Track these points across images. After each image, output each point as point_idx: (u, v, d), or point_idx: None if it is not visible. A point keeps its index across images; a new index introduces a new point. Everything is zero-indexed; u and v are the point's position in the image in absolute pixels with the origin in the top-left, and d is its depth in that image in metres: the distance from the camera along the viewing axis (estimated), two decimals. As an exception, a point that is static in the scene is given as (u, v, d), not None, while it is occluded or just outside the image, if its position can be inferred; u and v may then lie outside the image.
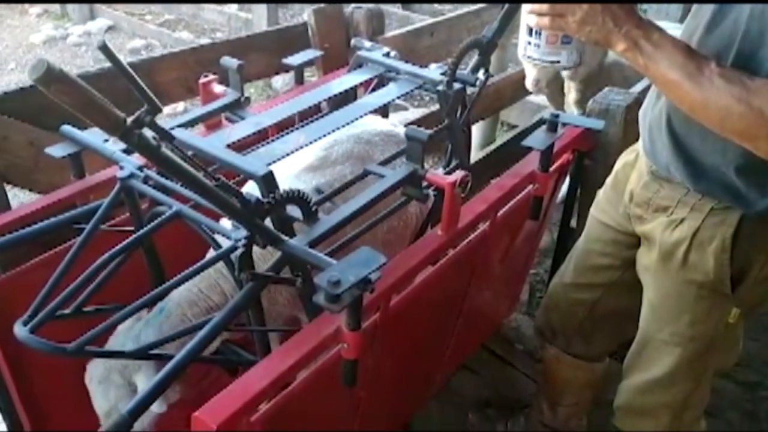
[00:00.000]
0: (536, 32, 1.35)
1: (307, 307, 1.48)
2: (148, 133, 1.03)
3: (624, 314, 1.80)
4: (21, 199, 3.07)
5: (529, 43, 1.38)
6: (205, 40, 6.15)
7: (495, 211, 1.76)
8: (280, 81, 4.98)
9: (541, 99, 4.03)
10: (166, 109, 4.29)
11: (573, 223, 2.31)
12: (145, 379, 1.46)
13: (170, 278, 1.58)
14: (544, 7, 1.25)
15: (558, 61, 1.38)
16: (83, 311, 1.46)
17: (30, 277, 1.60)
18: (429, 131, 1.52)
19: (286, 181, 1.64)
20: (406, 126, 2.12)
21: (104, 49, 0.93)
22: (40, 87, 0.87)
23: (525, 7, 1.31)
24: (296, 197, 1.35)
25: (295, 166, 1.69)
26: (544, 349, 2.01)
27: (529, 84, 2.81)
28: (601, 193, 1.78)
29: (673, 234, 1.44)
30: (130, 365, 1.47)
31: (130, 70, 0.97)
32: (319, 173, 1.68)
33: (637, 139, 1.69)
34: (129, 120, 0.99)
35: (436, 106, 2.80)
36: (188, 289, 1.54)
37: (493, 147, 3.33)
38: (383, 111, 2.07)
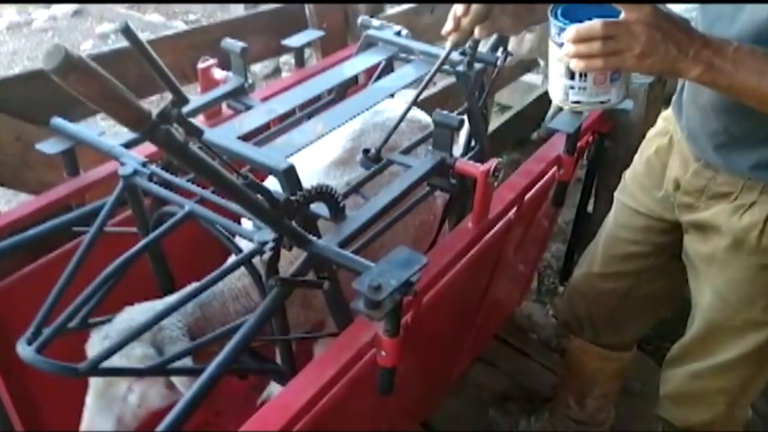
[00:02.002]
0: (581, 75, 1.17)
1: (333, 311, 1.37)
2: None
3: (657, 299, 1.73)
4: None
5: (572, 87, 1.20)
6: (177, 23, 5.94)
7: (522, 199, 1.66)
8: (259, 65, 4.80)
9: (532, 78, 3.92)
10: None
11: (590, 207, 2.23)
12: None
13: (180, 284, 1.46)
14: (594, 47, 1.05)
15: (608, 100, 1.20)
16: (89, 323, 1.34)
17: (22, 287, 1.47)
18: (459, 116, 1.41)
19: (314, 177, 1.52)
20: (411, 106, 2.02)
21: (126, 31, 0.79)
22: (56, 78, 0.75)
23: (562, 51, 1.12)
24: (324, 193, 1.23)
25: (321, 161, 1.56)
26: (569, 341, 1.92)
27: (524, 51, 2.63)
28: (628, 178, 1.69)
29: (741, 219, 1.34)
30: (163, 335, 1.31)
31: (153, 54, 0.84)
32: (349, 168, 1.56)
33: (656, 119, 1.62)
34: (155, 114, 0.86)
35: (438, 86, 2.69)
36: (232, 282, 1.42)
37: (492, 128, 3.23)
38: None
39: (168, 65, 1.96)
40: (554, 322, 2.44)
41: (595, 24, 1.05)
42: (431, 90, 2.55)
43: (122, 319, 1.34)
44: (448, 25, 1.35)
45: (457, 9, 1.32)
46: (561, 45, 1.14)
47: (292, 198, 1.17)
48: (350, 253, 1.21)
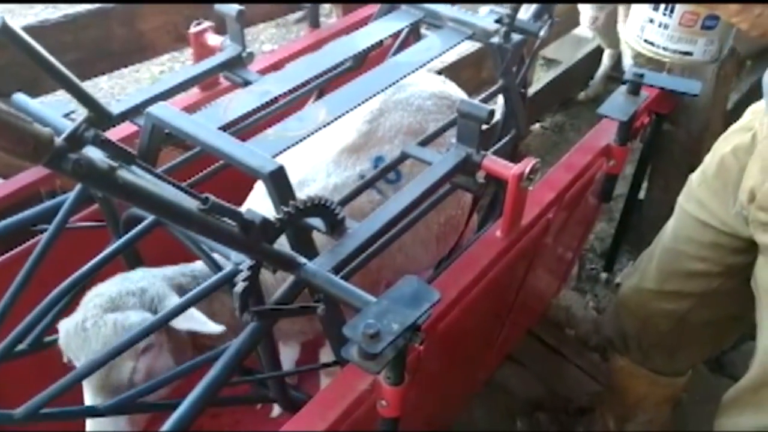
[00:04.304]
0: (667, 7, 0.93)
1: (332, 341, 1.16)
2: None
3: (720, 327, 1.47)
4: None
5: (652, 21, 0.96)
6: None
7: (562, 197, 1.41)
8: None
9: (581, 31, 3.58)
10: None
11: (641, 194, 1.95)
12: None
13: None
14: None
15: (690, 53, 0.96)
16: (44, 343, 1.15)
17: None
18: (489, 107, 1.15)
19: (322, 169, 1.29)
20: (438, 73, 1.76)
21: (6, 31, 0.56)
22: None
23: None
24: (318, 206, 1.00)
25: (332, 148, 1.32)
26: (613, 359, 1.68)
27: (585, 21, 2.46)
28: (696, 181, 1.41)
29: None
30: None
31: (48, 55, 0.60)
32: (363, 155, 1.32)
33: (726, 100, 1.33)
34: (60, 138, 0.63)
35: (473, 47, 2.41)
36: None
37: (536, 88, 2.92)
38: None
39: (162, 26, 1.71)
40: (594, 316, 2.21)
41: None
42: (466, 51, 2.27)
43: (89, 297, 1.12)
44: None
45: None
46: None
47: (275, 217, 0.95)
48: (345, 283, 0.99)
